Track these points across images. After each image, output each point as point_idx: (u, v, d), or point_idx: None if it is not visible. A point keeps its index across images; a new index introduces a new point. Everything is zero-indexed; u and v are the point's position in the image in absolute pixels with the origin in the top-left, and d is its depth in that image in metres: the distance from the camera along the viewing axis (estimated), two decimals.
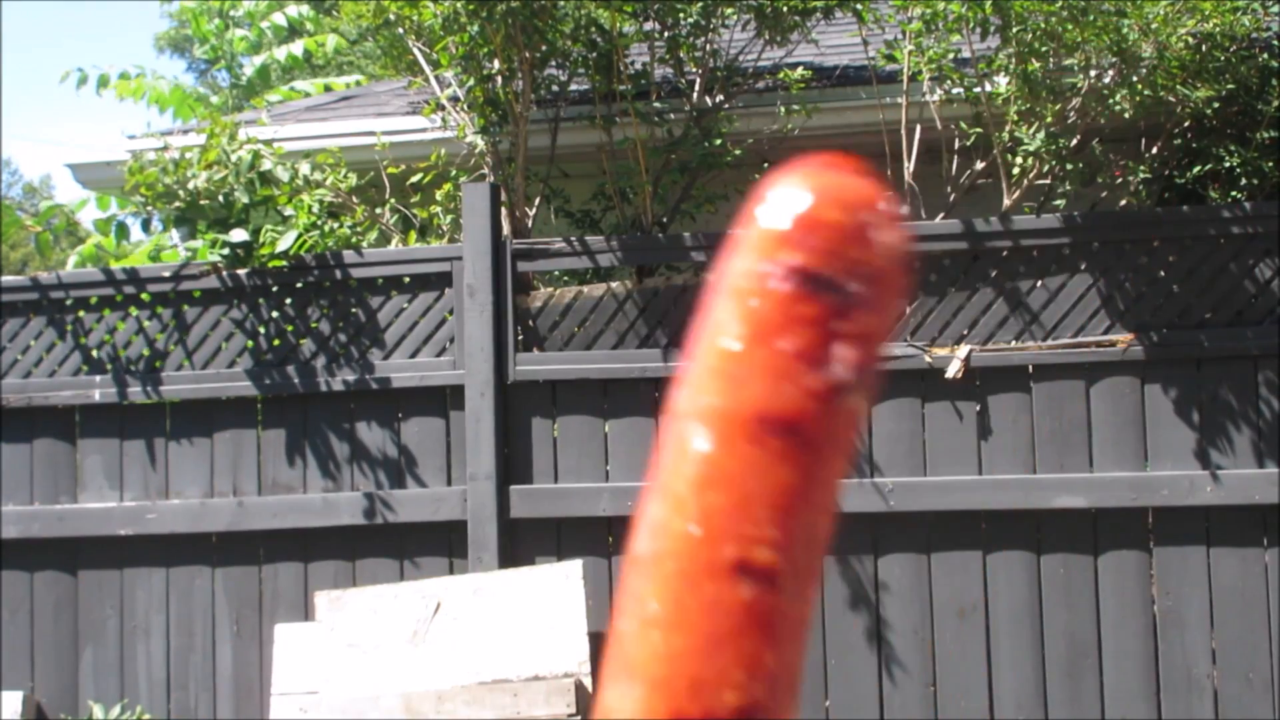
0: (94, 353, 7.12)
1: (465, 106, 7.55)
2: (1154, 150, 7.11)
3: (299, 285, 6.94)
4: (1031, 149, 6.65)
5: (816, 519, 0.93)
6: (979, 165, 7.19)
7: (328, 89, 12.43)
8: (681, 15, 7.36)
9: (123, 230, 8.16)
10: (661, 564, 0.93)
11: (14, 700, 6.92)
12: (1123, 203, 7.12)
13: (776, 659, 0.92)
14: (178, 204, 7.31)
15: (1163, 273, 6.26)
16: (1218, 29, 6.36)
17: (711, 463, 0.92)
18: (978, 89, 6.87)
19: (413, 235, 7.59)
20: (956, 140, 7.23)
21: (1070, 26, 6.42)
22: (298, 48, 12.57)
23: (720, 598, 0.90)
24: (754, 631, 0.91)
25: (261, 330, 6.98)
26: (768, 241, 0.94)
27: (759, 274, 0.94)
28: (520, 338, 6.71)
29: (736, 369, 0.93)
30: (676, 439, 0.95)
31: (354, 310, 6.89)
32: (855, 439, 0.97)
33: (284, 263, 6.95)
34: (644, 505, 0.96)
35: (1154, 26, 6.29)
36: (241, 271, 6.98)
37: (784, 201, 0.95)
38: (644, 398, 6.56)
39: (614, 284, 6.78)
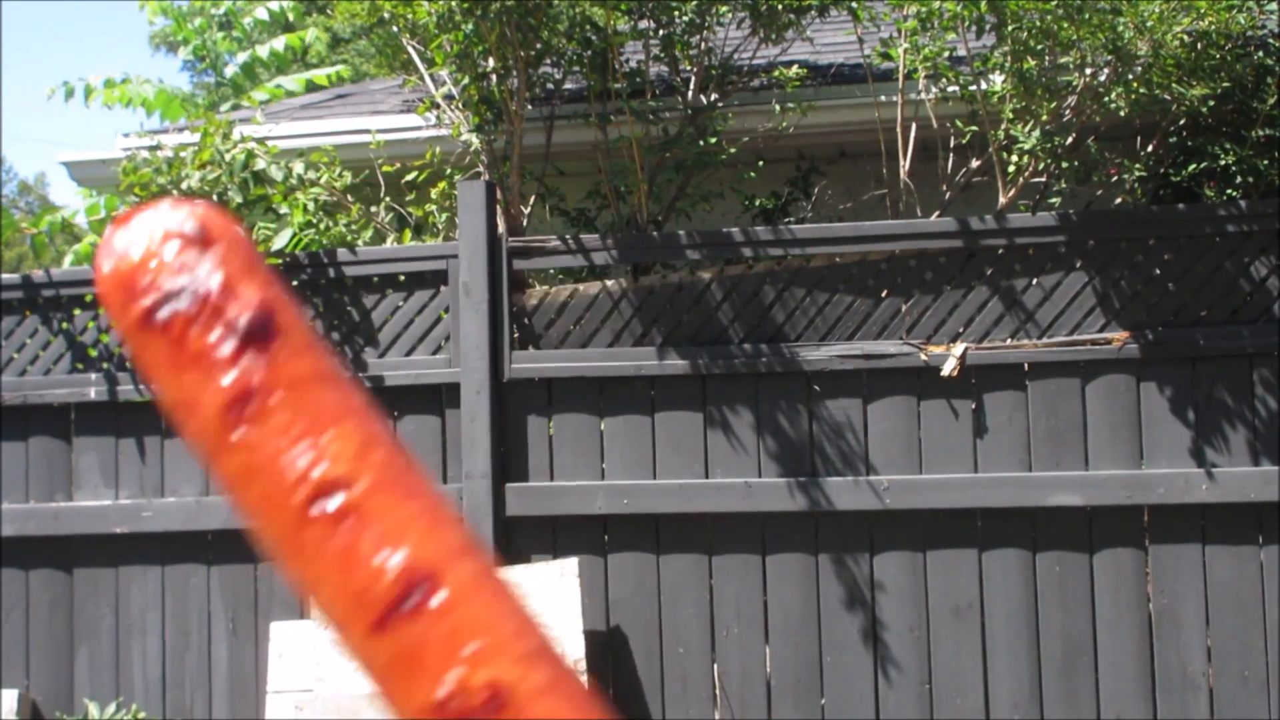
0: (89, 351, 7.12)
1: (460, 105, 7.54)
2: (1149, 148, 7.11)
3: (294, 283, 6.93)
4: (1027, 147, 6.65)
5: (334, 410, 0.98)
6: (974, 163, 7.19)
7: (311, 85, 12.42)
8: (676, 13, 7.36)
9: None
10: (281, 554, 0.97)
11: (10, 698, 6.92)
12: (1118, 201, 7.12)
13: (399, 518, 0.95)
14: None
15: (1158, 271, 6.26)
16: (1213, 27, 6.35)
17: (237, 468, 0.97)
18: (973, 87, 6.87)
19: (408, 233, 7.58)
20: (952, 138, 7.23)
21: (1065, 24, 6.41)
22: (280, 43, 12.54)
23: (319, 531, 0.94)
24: (365, 522, 0.94)
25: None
26: (117, 306, 0.99)
27: (131, 336, 0.99)
28: (516, 336, 6.71)
29: (188, 399, 0.98)
30: (218, 479, 1.00)
31: (349, 308, 6.88)
32: (310, 344, 1.02)
33: (279, 261, 6.94)
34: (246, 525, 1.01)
35: (1149, 24, 6.29)
36: None
37: (108, 263, 1.00)
38: (639, 396, 6.56)
39: (609, 282, 6.78)
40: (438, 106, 7.71)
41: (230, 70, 12.97)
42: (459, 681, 0.92)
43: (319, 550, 0.94)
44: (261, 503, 0.96)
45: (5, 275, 7.28)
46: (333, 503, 0.94)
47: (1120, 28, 6.33)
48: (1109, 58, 6.53)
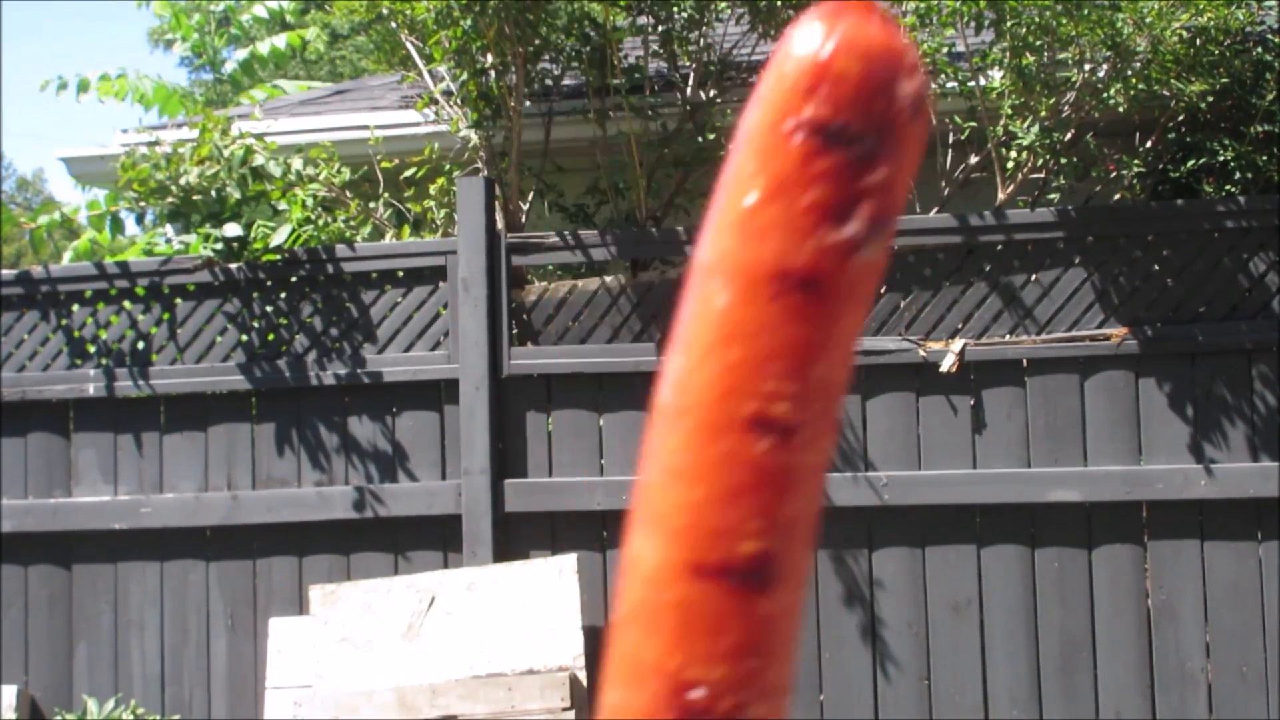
0: (88, 347, 7.12)
1: (459, 101, 7.54)
2: (1148, 144, 7.11)
3: (292, 279, 6.93)
4: (1026, 143, 6.65)
5: (833, 372, 0.94)
6: (973, 159, 7.19)
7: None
8: (675, 9, 7.35)
9: (117, 225, 8.15)
10: (682, 418, 0.94)
11: (9, 694, 6.91)
12: (1117, 197, 7.12)
13: (792, 509, 0.93)
14: (170, 199, 7.30)
15: (1157, 267, 6.26)
16: (1212, 23, 6.35)
17: (729, 317, 0.93)
18: (972, 83, 6.87)
19: (406, 229, 7.58)
20: (951, 134, 7.23)
21: (1064, 20, 6.41)
22: (281, 41, 12.52)
23: (738, 451, 0.91)
24: (770, 484, 0.92)
25: (255, 324, 6.97)
26: (787, 92, 0.93)
27: (778, 126, 0.93)
28: (514, 332, 6.71)
29: (755, 223, 0.93)
30: (697, 293, 0.96)
31: (348, 304, 6.88)
32: (872, 292, 0.97)
33: (277, 257, 6.94)
34: (667, 359, 0.98)
35: (1148, 20, 6.29)
36: (235, 266, 6.97)
37: (804, 50, 0.92)
38: (638, 392, 6.56)
39: (608, 278, 6.77)
40: (436, 102, 7.71)
41: (229, 67, 12.95)
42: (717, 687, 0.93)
43: (726, 461, 0.92)
44: (720, 371, 0.93)
45: (4, 271, 7.27)
46: (768, 440, 0.91)
47: (1119, 24, 6.33)
48: (1108, 54, 6.52)
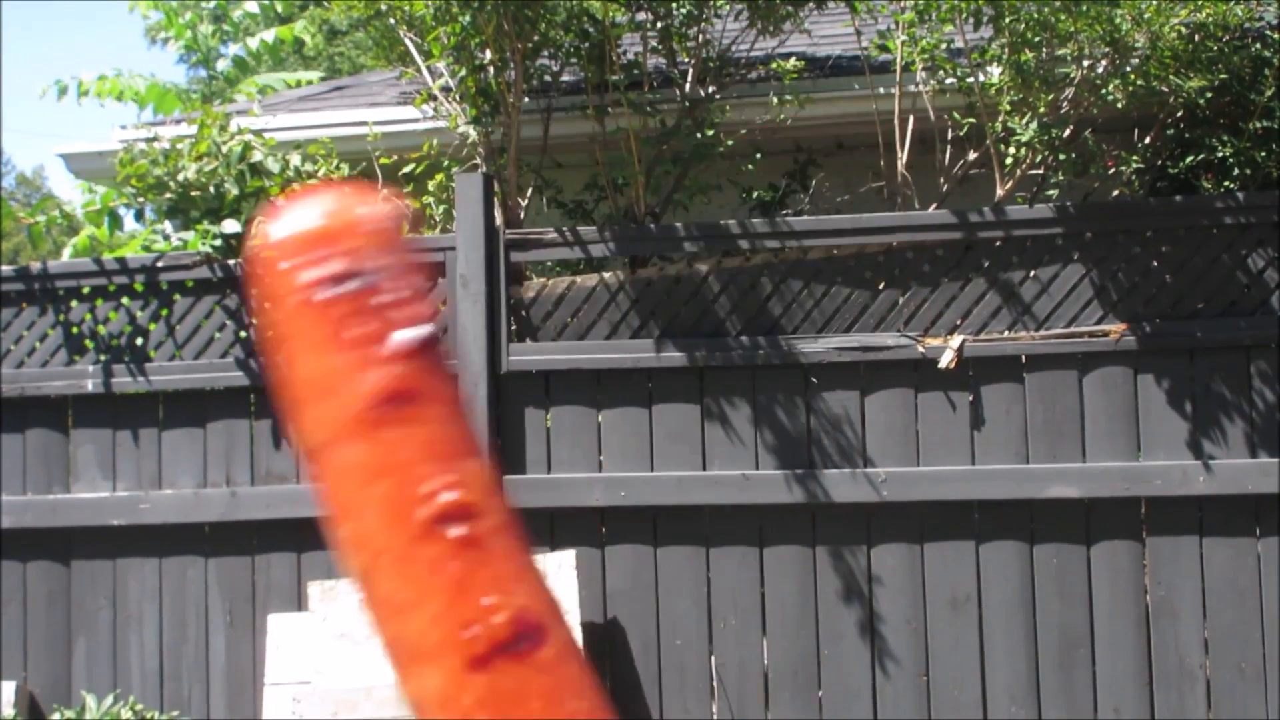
0: (87, 343, 7.11)
1: (457, 97, 7.54)
2: (1147, 140, 7.11)
3: None
4: (1024, 139, 6.65)
5: (468, 444, 1.01)
6: (972, 155, 7.19)
7: (298, 85, 12.39)
8: (674, 5, 7.35)
9: (116, 221, 8.15)
10: (377, 559, 0.98)
11: (8, 690, 6.92)
12: (1115, 193, 7.12)
13: (512, 568, 0.96)
14: (169, 195, 7.30)
15: (1156, 263, 6.26)
16: (1210, 19, 6.35)
17: (364, 461, 0.98)
18: (971, 79, 6.87)
19: (405, 226, 7.57)
20: (949, 130, 7.23)
21: (1063, 16, 6.41)
22: (270, 35, 12.51)
23: (436, 551, 0.96)
24: (484, 559, 0.97)
25: (254, 320, 6.97)
26: (281, 273, 1.01)
27: (292, 297, 1.01)
28: (513, 328, 6.71)
29: (329, 380, 0.99)
30: (326, 466, 1.01)
31: None
32: (450, 376, 1.04)
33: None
34: (333, 535, 1.01)
35: (1146, 16, 6.29)
36: (233, 262, 6.97)
37: (288, 229, 1.02)
38: (637, 388, 6.56)
39: (607, 274, 6.78)
40: (435, 99, 7.71)
41: (223, 64, 12.95)
42: None
43: (433, 569, 0.95)
44: (381, 504, 0.97)
45: (3, 267, 7.27)
46: (458, 529, 0.95)
47: (1118, 20, 6.33)
48: (1106, 50, 6.52)
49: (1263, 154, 6.86)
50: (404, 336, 0.97)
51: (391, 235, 1.01)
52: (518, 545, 0.99)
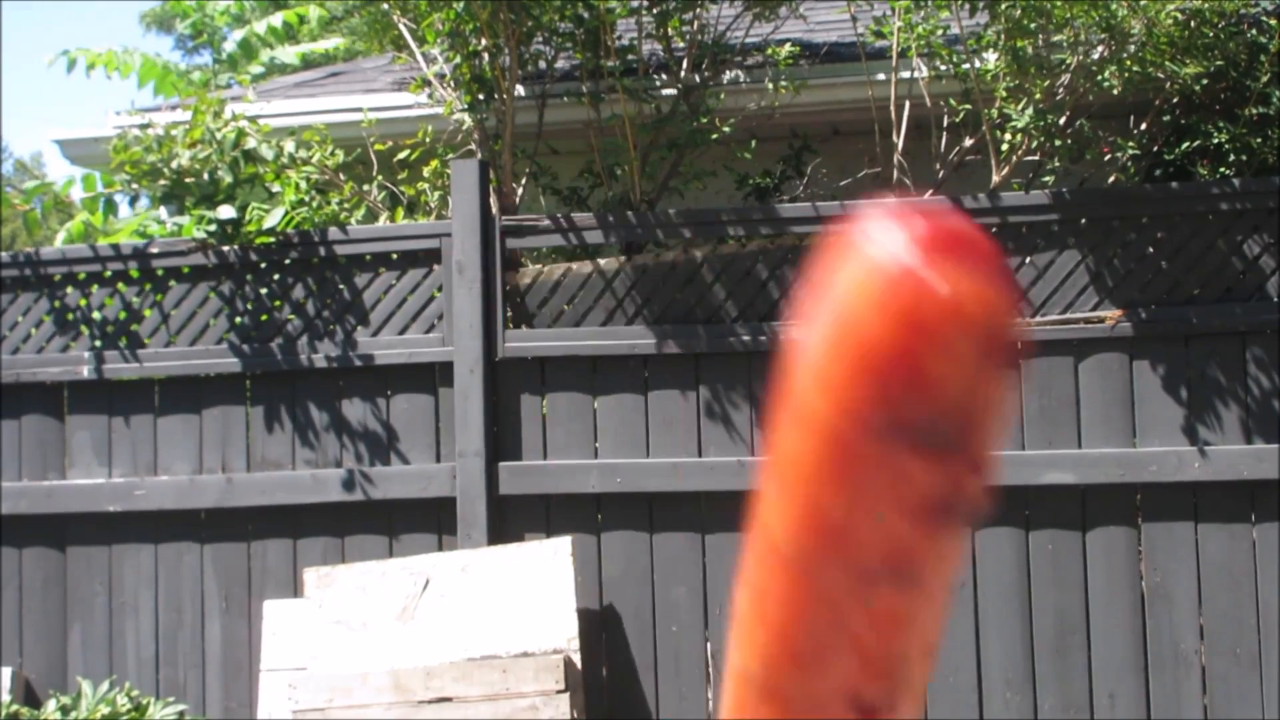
0: (82, 329, 7.11)
1: (452, 83, 7.53)
2: (1143, 127, 7.11)
3: (286, 262, 6.93)
4: (1020, 126, 6.65)
5: (915, 650, 0.90)
6: (968, 142, 7.19)
7: (306, 62, 12.38)
8: None
9: (111, 207, 8.13)
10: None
11: (4, 676, 6.91)
12: (1111, 179, 7.12)
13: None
14: (163, 181, 7.29)
15: (1151, 249, 6.26)
16: (1206, 5, 6.35)
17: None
18: (966, 65, 6.87)
19: (400, 212, 7.57)
20: (945, 117, 7.22)
21: (1059, 3, 6.41)
22: (278, 19, 12.50)
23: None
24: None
25: (249, 307, 6.97)
26: (872, 398, 0.82)
27: (865, 441, 0.83)
28: (509, 315, 6.71)
29: (837, 508, 0.85)
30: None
31: (341, 287, 6.87)
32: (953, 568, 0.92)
33: (271, 240, 6.93)
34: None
35: (1143, 3, 6.29)
36: (228, 248, 6.96)
37: (895, 300, 0.80)
38: (632, 374, 6.56)
39: (602, 261, 6.77)
40: (430, 85, 7.70)
41: (229, 46, 12.93)
42: None
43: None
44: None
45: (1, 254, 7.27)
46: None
47: (1114, 6, 6.32)
48: (1102, 36, 6.52)
49: (1258, 140, 6.85)
50: (945, 511, 0.82)
51: (997, 379, 0.82)
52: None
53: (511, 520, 6.59)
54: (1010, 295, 0.81)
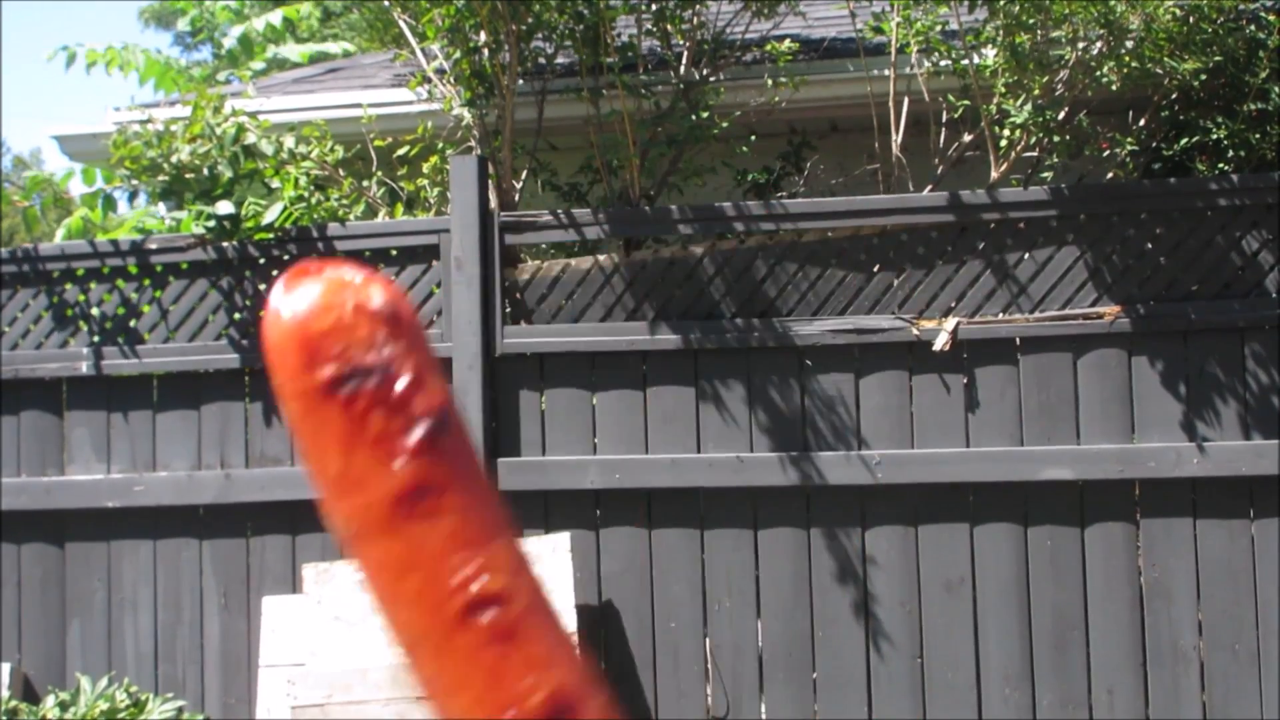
0: (81, 325, 7.11)
1: (451, 79, 7.53)
2: (1141, 123, 7.11)
3: (285, 257, 6.93)
4: (1019, 121, 6.65)
5: (494, 525, 1.02)
6: (966, 137, 7.19)
7: (312, 60, 12.37)
8: None
9: (110, 203, 8.12)
10: (418, 649, 1.02)
11: (3, 672, 6.92)
12: (1110, 175, 7.12)
13: (545, 646, 1.00)
14: (162, 177, 7.28)
15: (1150, 245, 6.26)
16: (1205, 1, 6.35)
17: (393, 557, 1.00)
18: (965, 61, 6.87)
19: (399, 208, 7.57)
20: (944, 112, 7.23)
21: None
22: (277, 17, 12.50)
23: (473, 640, 0.98)
24: (518, 642, 0.99)
25: (248, 303, 6.97)
26: (294, 366, 1.00)
27: (303, 398, 1.00)
28: (508, 310, 6.70)
29: (352, 478, 0.99)
30: (359, 558, 1.03)
31: None
32: (470, 453, 1.05)
33: (270, 235, 6.93)
34: (383, 626, 1.04)
35: None
36: (227, 244, 6.96)
37: (286, 318, 1.00)
38: (632, 371, 6.56)
39: (601, 257, 6.77)
40: (429, 81, 7.70)
41: (229, 43, 12.93)
42: None
43: (469, 657, 0.98)
44: (414, 597, 0.99)
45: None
46: (489, 615, 0.97)
47: (1112, 1, 6.32)
48: (1101, 31, 6.52)
49: (1257, 136, 6.86)
50: (421, 426, 0.97)
51: (397, 315, 1.00)
52: (549, 620, 1.01)
53: (510, 516, 6.57)
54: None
